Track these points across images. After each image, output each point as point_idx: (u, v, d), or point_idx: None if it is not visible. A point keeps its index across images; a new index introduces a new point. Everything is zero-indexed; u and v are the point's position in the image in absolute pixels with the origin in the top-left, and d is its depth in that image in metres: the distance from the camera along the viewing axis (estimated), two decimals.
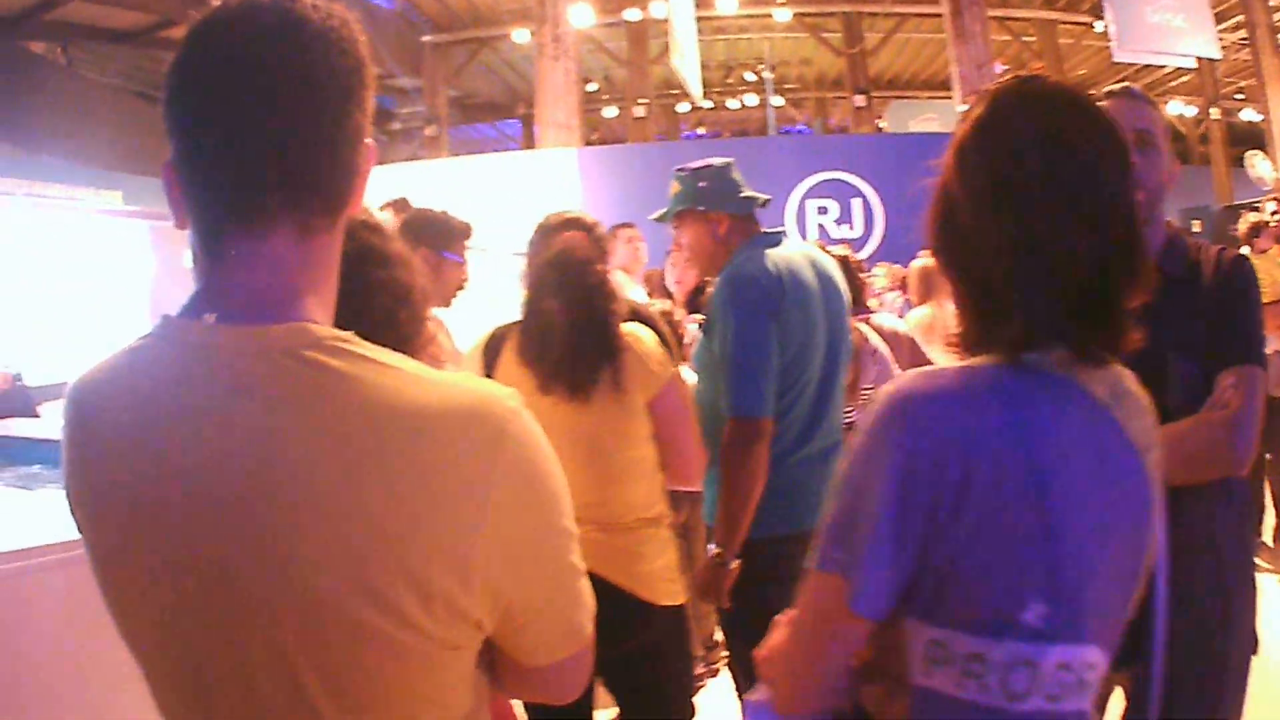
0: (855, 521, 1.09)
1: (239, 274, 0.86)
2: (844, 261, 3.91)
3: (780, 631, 1.24)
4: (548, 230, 2.42)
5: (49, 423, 6.00)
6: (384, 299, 1.34)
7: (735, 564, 2.49)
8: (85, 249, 9.90)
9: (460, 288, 3.04)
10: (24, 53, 12.76)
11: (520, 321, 2.37)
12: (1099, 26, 12.64)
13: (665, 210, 2.77)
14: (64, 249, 9.57)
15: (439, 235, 2.98)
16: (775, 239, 2.65)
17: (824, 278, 2.65)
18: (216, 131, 0.84)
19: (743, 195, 2.68)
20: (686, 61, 11.96)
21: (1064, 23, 16.61)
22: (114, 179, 10.56)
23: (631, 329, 2.34)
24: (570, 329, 2.25)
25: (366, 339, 0.89)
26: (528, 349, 2.30)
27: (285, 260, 0.87)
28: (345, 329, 0.89)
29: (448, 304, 3.02)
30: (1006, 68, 14.63)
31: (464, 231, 3.09)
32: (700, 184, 2.67)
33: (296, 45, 0.85)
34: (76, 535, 2.40)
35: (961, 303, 1.16)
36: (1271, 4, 13.80)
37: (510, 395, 0.88)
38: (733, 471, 2.46)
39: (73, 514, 0.96)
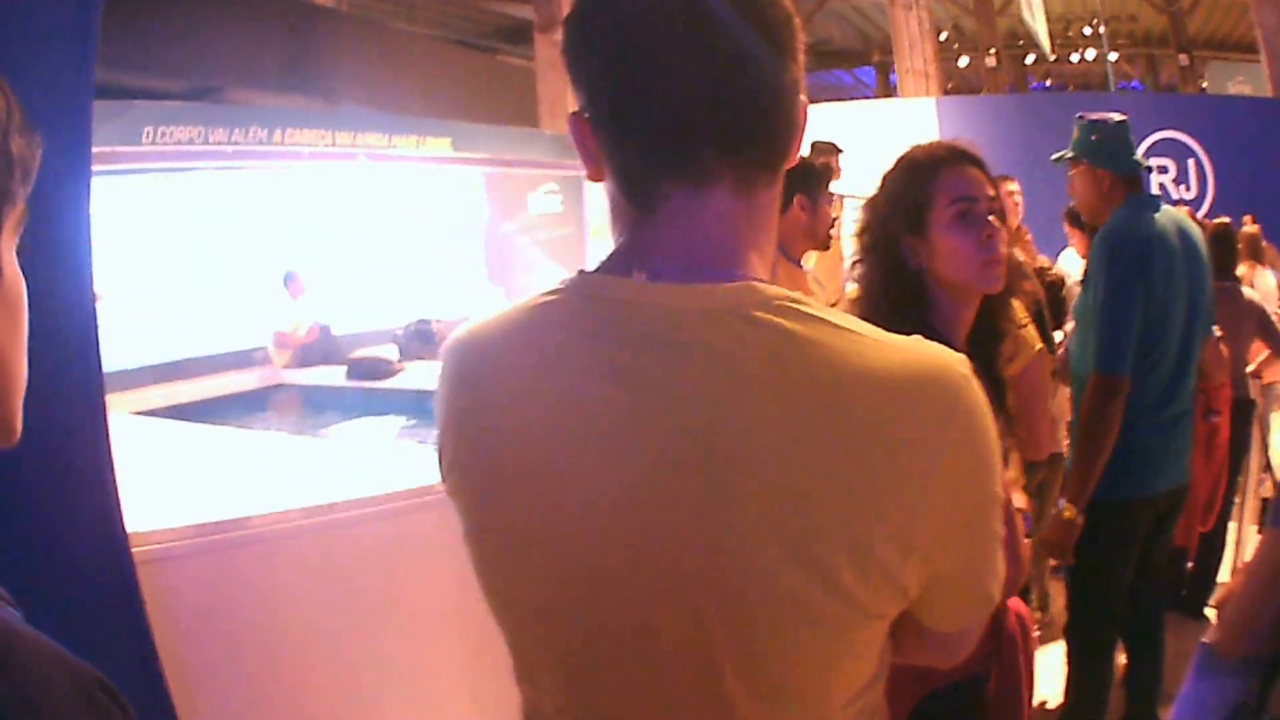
0: None
1: (674, 231, 0.79)
2: (1225, 230, 3.78)
3: (1238, 578, 1.34)
4: None
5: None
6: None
7: (1079, 519, 2.49)
8: (406, 198, 9.67)
9: (830, 228, 3.01)
10: (310, 7, 12.04)
11: None
12: None
13: (1061, 154, 2.77)
14: (380, 199, 9.35)
15: (813, 181, 2.94)
16: (1154, 203, 2.64)
17: (1189, 245, 2.61)
18: (646, 83, 0.77)
19: (1130, 157, 2.66)
20: (1034, 13, 11.41)
21: None
22: (440, 126, 9.74)
23: None
24: None
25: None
26: None
27: (726, 217, 0.79)
28: None
29: (826, 246, 3.04)
30: None
31: (827, 173, 3.06)
32: (1092, 137, 2.66)
33: None
34: (376, 492, 2.33)
35: None
36: None
37: (962, 361, 0.80)
38: (1088, 425, 2.49)
39: (444, 478, 0.88)
